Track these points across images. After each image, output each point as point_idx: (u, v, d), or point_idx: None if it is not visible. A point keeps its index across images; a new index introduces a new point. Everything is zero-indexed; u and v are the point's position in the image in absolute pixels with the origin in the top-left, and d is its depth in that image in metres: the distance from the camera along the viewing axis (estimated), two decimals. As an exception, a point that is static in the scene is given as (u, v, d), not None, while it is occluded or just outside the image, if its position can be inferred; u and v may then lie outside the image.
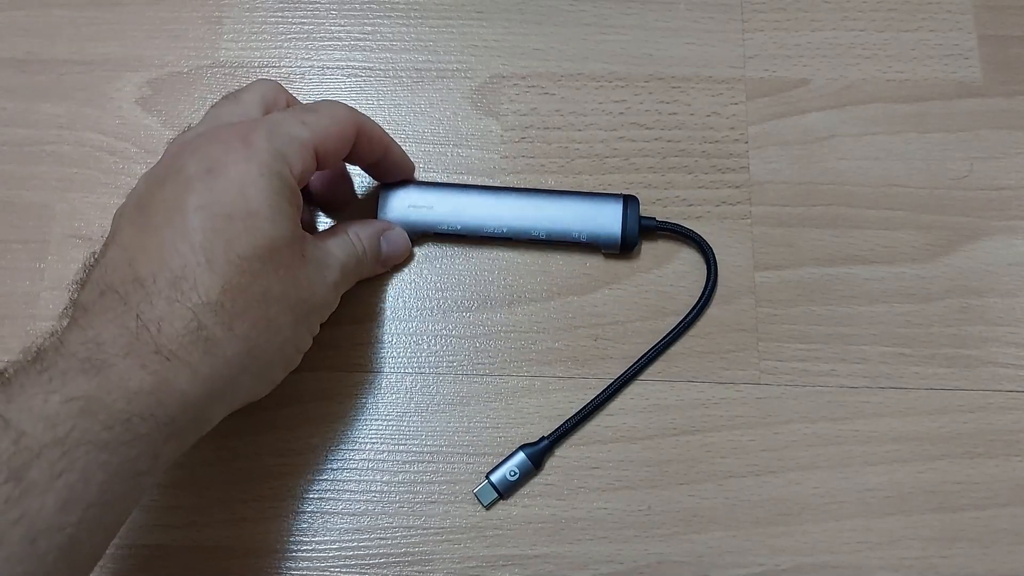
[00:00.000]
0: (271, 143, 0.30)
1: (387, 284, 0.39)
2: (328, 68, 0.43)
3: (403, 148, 0.38)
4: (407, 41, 0.43)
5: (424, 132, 0.42)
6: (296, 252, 0.31)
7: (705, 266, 0.39)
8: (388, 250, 0.38)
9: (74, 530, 0.25)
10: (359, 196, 0.40)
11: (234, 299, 0.28)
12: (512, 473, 0.36)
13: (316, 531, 0.36)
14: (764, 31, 0.43)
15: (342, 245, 0.34)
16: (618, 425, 0.37)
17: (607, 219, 0.38)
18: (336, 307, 0.34)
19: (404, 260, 0.39)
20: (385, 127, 0.41)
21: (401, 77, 0.42)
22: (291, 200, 0.31)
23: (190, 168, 0.29)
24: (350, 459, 0.37)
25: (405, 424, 0.37)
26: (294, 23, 0.43)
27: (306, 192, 0.39)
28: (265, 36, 0.43)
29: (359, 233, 0.36)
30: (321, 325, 0.33)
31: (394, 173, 0.38)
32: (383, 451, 0.37)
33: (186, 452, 0.36)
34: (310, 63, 0.43)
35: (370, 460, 0.37)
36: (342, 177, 0.39)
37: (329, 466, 0.37)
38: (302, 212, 0.35)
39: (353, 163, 0.37)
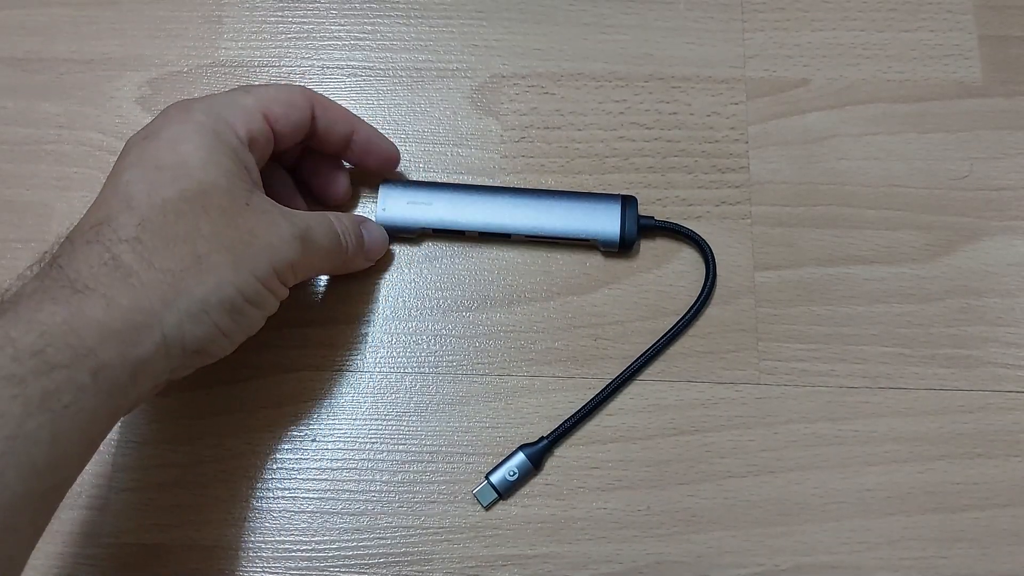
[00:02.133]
0: (209, 107, 0.32)
1: (388, 284, 0.39)
2: (328, 68, 0.43)
3: (390, 137, 0.38)
4: (407, 41, 0.43)
5: (424, 132, 0.42)
6: (236, 199, 0.30)
7: (704, 266, 0.39)
8: (369, 238, 0.37)
9: None
10: (359, 195, 0.40)
11: (154, 235, 0.28)
12: (511, 473, 0.36)
13: (316, 531, 0.36)
14: (764, 31, 0.43)
15: (313, 214, 0.34)
16: (618, 425, 0.37)
17: (605, 218, 0.38)
18: (305, 266, 0.33)
19: (385, 258, 0.39)
20: (385, 127, 0.41)
21: (401, 77, 0.42)
22: (231, 156, 0.31)
23: (131, 139, 0.31)
24: (350, 459, 0.37)
25: (404, 424, 0.37)
26: (294, 23, 0.43)
27: (303, 189, 0.39)
28: (265, 36, 0.43)
29: (338, 215, 0.36)
30: (321, 323, 0.32)
31: (375, 155, 0.38)
32: (382, 451, 0.37)
33: (184, 452, 0.37)
34: (310, 63, 0.43)
35: (369, 460, 0.37)
36: (335, 169, 0.39)
37: (329, 466, 0.37)
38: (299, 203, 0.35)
39: (325, 148, 0.37)
